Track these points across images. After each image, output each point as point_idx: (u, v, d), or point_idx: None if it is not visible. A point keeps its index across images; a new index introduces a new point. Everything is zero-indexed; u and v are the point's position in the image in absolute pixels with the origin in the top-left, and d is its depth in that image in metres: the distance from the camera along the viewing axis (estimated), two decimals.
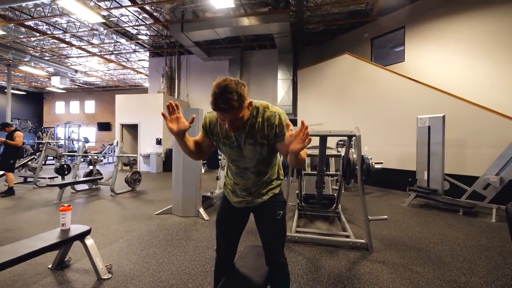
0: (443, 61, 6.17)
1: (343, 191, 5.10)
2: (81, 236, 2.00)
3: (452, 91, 5.27)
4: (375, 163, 2.67)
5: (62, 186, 4.42)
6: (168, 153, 8.85)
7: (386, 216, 2.61)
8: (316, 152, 3.42)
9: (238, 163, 1.29)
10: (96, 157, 5.57)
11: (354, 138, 2.60)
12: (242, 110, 1.07)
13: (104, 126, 16.79)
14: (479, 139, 4.80)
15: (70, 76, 13.40)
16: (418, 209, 4.30)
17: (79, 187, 5.39)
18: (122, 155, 5.17)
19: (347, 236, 2.83)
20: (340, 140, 5.71)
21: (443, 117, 4.51)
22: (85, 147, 12.32)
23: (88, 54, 10.83)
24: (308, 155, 3.40)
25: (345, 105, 7.24)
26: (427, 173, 4.67)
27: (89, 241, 2.03)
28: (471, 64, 5.73)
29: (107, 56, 11.21)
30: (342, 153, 3.03)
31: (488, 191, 4.05)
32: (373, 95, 6.54)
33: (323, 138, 2.75)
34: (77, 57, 11.35)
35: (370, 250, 2.52)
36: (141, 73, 13.55)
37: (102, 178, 5.37)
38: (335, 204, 3.69)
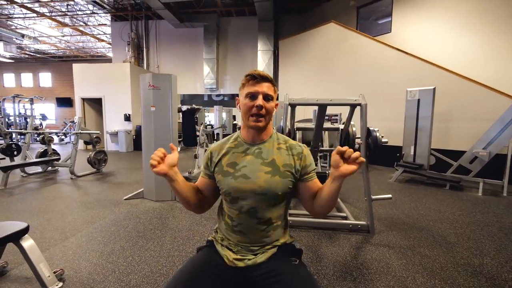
0: (430, 32, 5.95)
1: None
2: (15, 237, 1.48)
3: (438, 63, 5.11)
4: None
5: (6, 169, 3.67)
6: (139, 130, 8.05)
7: (390, 195, 2.37)
8: (308, 125, 3.06)
9: (242, 202, 0.91)
10: (50, 135, 4.74)
11: (358, 107, 2.24)
12: (275, 97, 0.95)
13: (64, 102, 15.06)
14: (464, 112, 4.75)
15: (16, 43, 11.49)
16: (405, 184, 4.23)
17: (31, 170, 4.61)
18: (82, 132, 4.42)
19: (345, 218, 2.58)
20: (334, 115, 5.40)
21: (434, 89, 4.33)
22: (41, 124, 10.92)
23: (35, 15, 9.18)
24: (299, 129, 3.03)
25: (329, 78, 6.89)
26: (414, 148, 4.58)
27: (26, 242, 1.51)
28: (457, 36, 5.57)
29: (59, 19, 9.61)
30: (340, 127, 2.68)
31: (474, 165, 4.04)
32: (359, 68, 6.24)
33: (322, 109, 2.37)
34: (22, 18, 9.60)
35: (372, 232, 2.29)
36: (103, 40, 11.98)
37: (59, 159, 4.62)
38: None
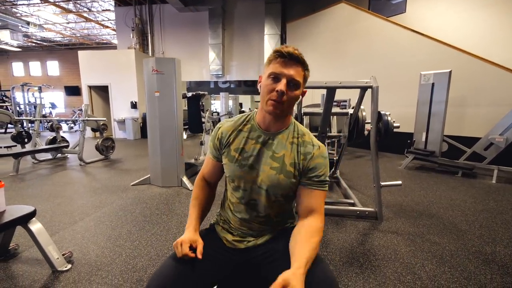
0: (446, 12, 5.61)
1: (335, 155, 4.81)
2: (23, 220, 1.49)
3: (455, 45, 4.83)
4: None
5: (17, 156, 3.74)
6: (145, 118, 8.04)
7: (400, 182, 2.29)
8: (316, 110, 2.97)
9: (243, 192, 0.87)
10: (58, 123, 4.80)
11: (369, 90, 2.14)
12: (303, 84, 0.80)
13: (73, 90, 15.20)
14: (481, 97, 4.53)
15: (22, 31, 11.50)
16: (415, 172, 4.13)
17: (41, 156, 4.70)
18: (89, 119, 4.45)
19: (353, 204, 2.54)
20: (342, 101, 5.24)
21: (450, 72, 4.12)
22: (51, 113, 11.08)
23: (39, 1, 9.10)
24: (307, 114, 2.94)
25: (340, 63, 6.66)
26: (426, 134, 4.43)
27: (34, 225, 1.53)
28: (475, 16, 5.23)
29: (63, 5, 9.51)
30: (350, 111, 2.59)
31: (489, 152, 3.89)
32: (371, 51, 5.98)
33: (330, 92, 2.27)
34: (26, 4, 9.54)
35: (380, 219, 2.25)
36: (107, 27, 11.87)
37: (68, 145, 4.68)
38: (333, 169, 3.37)
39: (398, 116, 5.35)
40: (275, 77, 0.76)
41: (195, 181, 0.99)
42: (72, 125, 10.90)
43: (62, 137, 4.85)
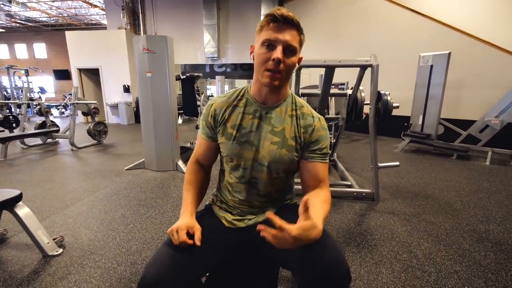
0: None
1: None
2: (8, 204, 1.43)
3: (456, 26, 4.71)
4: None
5: (3, 141, 3.62)
6: (139, 102, 7.89)
7: (397, 163, 2.27)
8: (314, 91, 2.89)
9: (244, 171, 0.82)
10: (47, 106, 4.63)
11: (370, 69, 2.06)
12: (299, 49, 0.74)
13: (62, 74, 14.69)
14: (479, 79, 4.49)
15: (4, 10, 10.90)
16: (412, 155, 4.14)
17: (31, 142, 4.57)
18: (79, 102, 4.29)
19: (350, 186, 2.53)
20: (340, 84, 5.15)
21: (449, 54, 4.03)
22: (40, 98, 10.76)
23: None
24: (305, 95, 2.87)
25: (338, 44, 6.49)
26: (423, 117, 4.41)
27: (21, 210, 1.48)
28: None
29: None
30: (349, 92, 2.52)
31: (484, 134, 3.90)
32: (370, 31, 5.82)
33: (329, 72, 2.19)
34: None
35: (377, 200, 2.24)
36: (96, 6, 11.29)
37: (58, 130, 4.55)
38: (331, 151, 3.35)
39: (396, 100, 5.27)
40: (270, 44, 0.69)
41: (187, 165, 0.92)
42: (63, 110, 10.62)
43: (52, 121, 4.70)
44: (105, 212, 2.06)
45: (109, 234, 1.73)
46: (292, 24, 0.69)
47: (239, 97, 0.83)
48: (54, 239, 1.55)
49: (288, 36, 0.69)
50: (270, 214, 0.57)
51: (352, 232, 1.76)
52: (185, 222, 0.72)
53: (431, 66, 4.21)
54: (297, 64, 0.75)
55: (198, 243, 0.70)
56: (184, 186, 0.86)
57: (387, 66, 5.30)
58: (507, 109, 3.68)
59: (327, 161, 0.81)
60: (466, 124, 4.22)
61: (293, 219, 0.70)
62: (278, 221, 0.56)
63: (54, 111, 11.06)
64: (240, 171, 0.82)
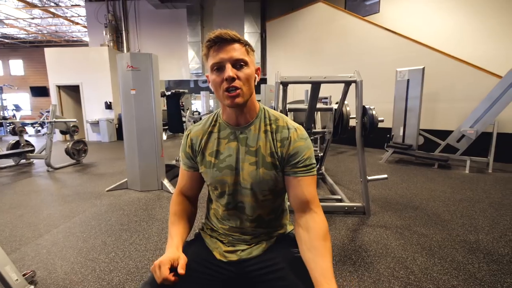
0: (418, 12, 5.84)
1: (318, 151, 4.84)
2: None
3: (427, 43, 5.03)
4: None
5: None
6: (121, 119, 7.67)
7: (386, 175, 2.30)
8: (300, 106, 2.92)
9: (229, 197, 0.78)
10: (21, 125, 4.37)
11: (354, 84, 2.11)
12: (251, 61, 0.71)
13: (40, 91, 14.16)
14: (452, 93, 4.75)
15: None
16: (395, 165, 4.23)
17: (2, 163, 4.26)
18: (57, 120, 4.10)
19: (340, 200, 2.51)
20: (323, 98, 5.27)
21: (423, 69, 4.27)
22: (14, 116, 10.23)
23: None
24: (291, 110, 2.89)
25: (319, 61, 6.73)
26: (403, 129, 4.57)
27: None
28: (446, 15, 5.48)
29: None
30: (334, 106, 2.56)
31: (461, 144, 4.07)
32: (349, 49, 6.10)
33: (315, 88, 2.23)
34: None
35: (368, 213, 2.24)
36: (78, 23, 11.16)
37: (33, 150, 4.29)
38: (319, 165, 3.35)
39: (377, 113, 5.46)
40: (219, 67, 0.67)
41: (172, 197, 0.86)
42: (40, 128, 10.12)
43: (26, 141, 4.43)
44: (84, 239, 1.90)
45: (88, 265, 1.59)
46: (231, 40, 0.67)
47: (212, 122, 0.81)
48: (24, 275, 1.39)
49: (231, 52, 0.66)
50: None
51: (347, 249, 1.72)
52: (169, 255, 0.65)
53: (408, 80, 4.43)
54: (256, 76, 0.73)
55: (181, 271, 0.62)
56: (170, 218, 0.80)
57: (367, 81, 5.50)
58: (480, 119, 3.89)
59: (314, 172, 0.74)
60: (444, 134, 4.41)
61: (289, 252, 0.66)
62: None
63: (30, 129, 10.52)
64: (225, 198, 0.78)
